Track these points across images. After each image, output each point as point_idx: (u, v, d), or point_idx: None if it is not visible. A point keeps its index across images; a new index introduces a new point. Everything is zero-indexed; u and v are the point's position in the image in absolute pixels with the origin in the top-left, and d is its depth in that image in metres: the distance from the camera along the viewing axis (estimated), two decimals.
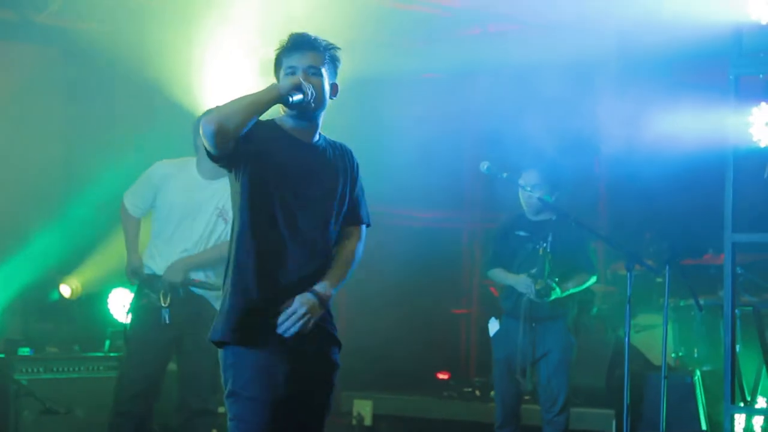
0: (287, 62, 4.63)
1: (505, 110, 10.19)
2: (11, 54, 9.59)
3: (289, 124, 4.65)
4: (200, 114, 7.13)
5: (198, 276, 6.96)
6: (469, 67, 10.94)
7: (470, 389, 9.68)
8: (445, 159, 10.47)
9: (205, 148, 4.51)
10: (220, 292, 4.76)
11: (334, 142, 4.79)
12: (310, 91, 4.51)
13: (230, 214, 6.84)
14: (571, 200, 8.50)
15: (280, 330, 4.49)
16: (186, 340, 6.97)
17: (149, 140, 9.33)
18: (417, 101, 10.77)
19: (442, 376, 10.35)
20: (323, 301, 4.56)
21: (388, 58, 10.19)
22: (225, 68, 9.44)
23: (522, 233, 7.65)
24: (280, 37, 4.71)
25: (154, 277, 6.98)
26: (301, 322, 4.49)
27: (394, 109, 10.64)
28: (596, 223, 10.13)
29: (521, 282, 7.47)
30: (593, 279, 7.66)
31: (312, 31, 4.73)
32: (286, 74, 4.61)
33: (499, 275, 7.69)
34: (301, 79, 4.51)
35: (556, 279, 7.43)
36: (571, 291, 7.53)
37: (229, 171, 4.61)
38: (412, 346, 10.30)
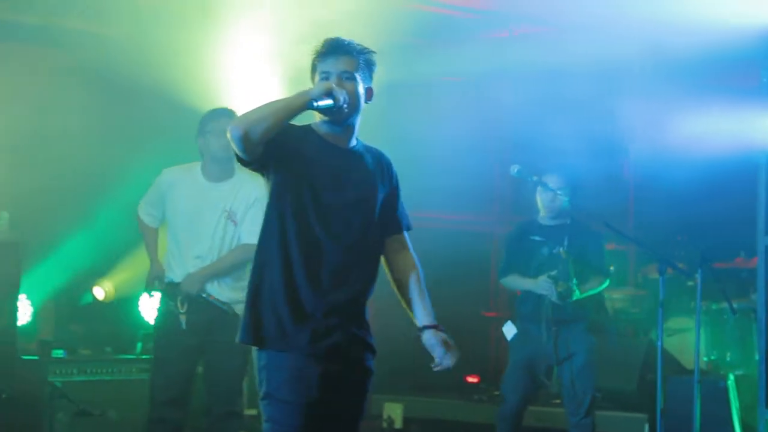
0: (321, 67, 4.63)
1: (532, 113, 10.19)
2: (35, 58, 9.62)
3: (324, 129, 4.65)
4: (203, 116, 7.17)
5: (213, 287, 6.96)
6: (495, 70, 10.93)
7: (500, 392, 9.64)
8: (472, 162, 10.46)
9: (235, 152, 4.51)
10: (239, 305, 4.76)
11: (372, 149, 4.79)
12: (342, 96, 4.51)
13: (238, 216, 6.92)
14: (599, 203, 8.54)
15: (442, 364, 4.65)
16: (207, 345, 6.99)
17: (175, 142, 9.35)
18: (443, 104, 10.77)
19: (471, 379, 10.35)
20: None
21: (413, 61, 10.19)
22: (247, 71, 9.47)
23: (537, 238, 7.68)
24: (305, 41, 4.73)
25: (172, 285, 7.01)
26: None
27: (420, 112, 10.64)
28: (625, 227, 10.14)
29: (541, 284, 7.48)
30: (607, 282, 7.75)
31: (337, 35, 4.73)
32: (321, 79, 4.61)
33: (516, 281, 7.72)
34: (333, 85, 4.51)
35: (575, 281, 7.44)
36: (589, 293, 7.54)
37: (261, 174, 4.62)
38: None
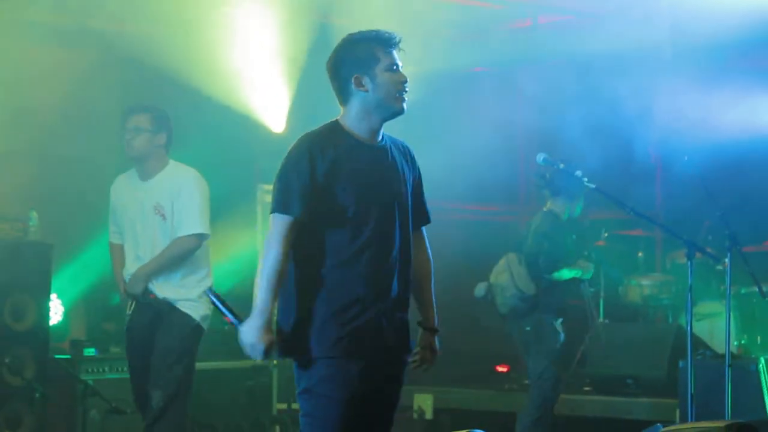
0: (390, 58, 4.53)
1: (558, 102, 10.17)
2: (66, 59, 9.68)
3: (356, 126, 4.57)
4: None
5: (154, 286, 6.92)
6: (520, 59, 10.93)
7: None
8: (498, 152, 10.45)
9: None
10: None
11: (397, 141, 4.73)
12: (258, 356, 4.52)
13: (166, 210, 6.87)
14: (626, 190, 8.55)
15: (413, 367, 4.72)
16: (152, 341, 6.97)
17: (201, 143, 9.39)
18: (470, 94, 10.78)
19: (501, 368, 10.34)
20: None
21: (439, 52, 10.20)
22: (271, 70, 9.52)
23: (565, 229, 7.89)
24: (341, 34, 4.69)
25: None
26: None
27: (446, 102, 10.65)
28: (653, 213, 10.12)
29: (588, 268, 7.71)
30: None
31: (363, 27, 4.69)
32: (389, 71, 4.52)
33: (564, 273, 7.79)
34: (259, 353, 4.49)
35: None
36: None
37: None
38: (471, 339, 10.30)
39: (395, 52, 4.56)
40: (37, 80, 9.31)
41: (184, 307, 6.90)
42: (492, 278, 8.07)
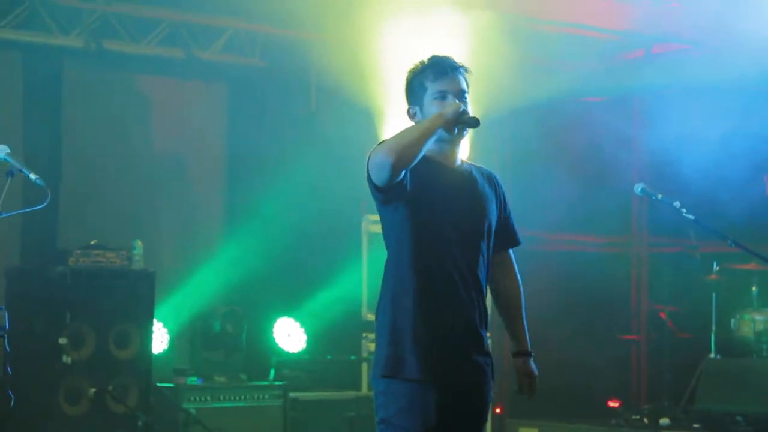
0: (436, 86, 4.51)
1: (671, 132, 10.02)
2: (179, 91, 9.87)
3: (433, 150, 4.53)
4: None
5: None
6: (633, 90, 10.81)
7: (639, 417, 9.51)
8: (612, 183, 10.33)
9: (372, 182, 4.41)
10: None
11: (479, 167, 4.69)
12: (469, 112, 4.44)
13: None
14: (741, 222, 8.37)
15: (517, 392, 4.66)
16: None
17: (308, 175, 9.46)
18: (582, 125, 10.67)
19: (612, 404, 10.17)
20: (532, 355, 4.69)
21: (551, 82, 10.12)
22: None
23: None
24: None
25: None
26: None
27: (557, 133, 10.56)
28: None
29: None
30: None
31: (468, 58, 4.66)
32: (435, 99, 4.51)
33: None
34: (460, 104, 4.43)
35: None
36: None
37: (387, 204, 4.50)
38: (579, 372, 10.16)
39: (449, 79, 4.50)
40: (148, 112, 9.55)
41: None
42: None
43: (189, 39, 9.51)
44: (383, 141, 4.41)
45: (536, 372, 4.64)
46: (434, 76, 4.52)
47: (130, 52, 9.27)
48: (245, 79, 9.93)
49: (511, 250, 4.76)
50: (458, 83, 4.52)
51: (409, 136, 4.33)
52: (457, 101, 4.45)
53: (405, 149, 4.30)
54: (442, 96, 4.50)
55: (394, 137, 4.37)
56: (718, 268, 9.68)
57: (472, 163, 4.70)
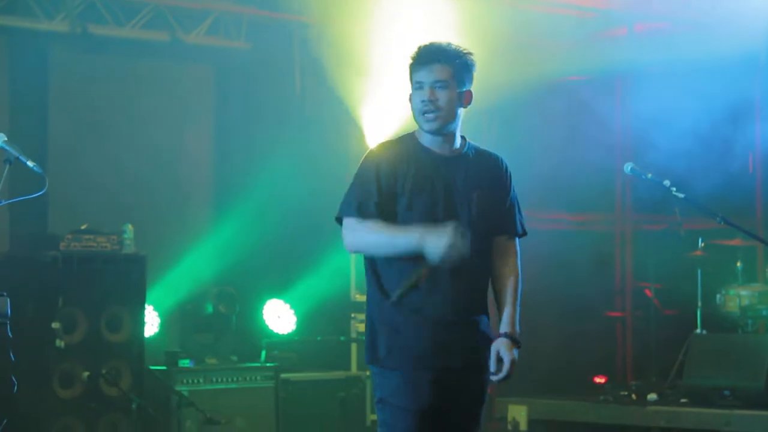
0: (415, 77, 4.57)
1: (654, 110, 10.06)
2: (165, 74, 9.86)
3: (425, 138, 4.61)
4: None
5: None
6: (616, 68, 10.83)
7: (626, 393, 9.58)
8: (595, 161, 10.37)
9: None
10: None
11: (485, 151, 4.70)
12: (455, 257, 4.38)
13: None
14: (723, 198, 8.42)
15: (493, 379, 4.60)
16: None
17: (295, 157, 9.48)
18: (565, 104, 10.71)
19: (599, 380, 10.25)
20: (515, 341, 4.58)
21: (534, 61, 10.15)
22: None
23: None
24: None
25: None
26: (509, 368, 4.56)
27: (540, 112, 10.59)
28: (753, 222, 9.96)
29: None
30: None
31: (453, 40, 4.66)
32: (414, 89, 4.57)
33: None
34: (450, 251, 4.36)
35: None
36: None
37: None
38: (566, 349, 10.23)
39: (426, 70, 4.55)
40: (138, 98, 9.55)
41: None
42: None
43: (174, 22, 9.51)
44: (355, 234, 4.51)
45: (510, 358, 4.55)
46: (414, 67, 4.60)
47: (115, 35, 9.27)
48: (231, 62, 9.93)
49: (518, 240, 4.76)
50: (435, 73, 4.55)
51: (375, 244, 4.51)
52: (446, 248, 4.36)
53: (364, 250, 4.56)
54: (420, 86, 4.57)
55: (364, 232, 4.49)
56: (702, 244, 9.75)
57: (478, 146, 4.73)
